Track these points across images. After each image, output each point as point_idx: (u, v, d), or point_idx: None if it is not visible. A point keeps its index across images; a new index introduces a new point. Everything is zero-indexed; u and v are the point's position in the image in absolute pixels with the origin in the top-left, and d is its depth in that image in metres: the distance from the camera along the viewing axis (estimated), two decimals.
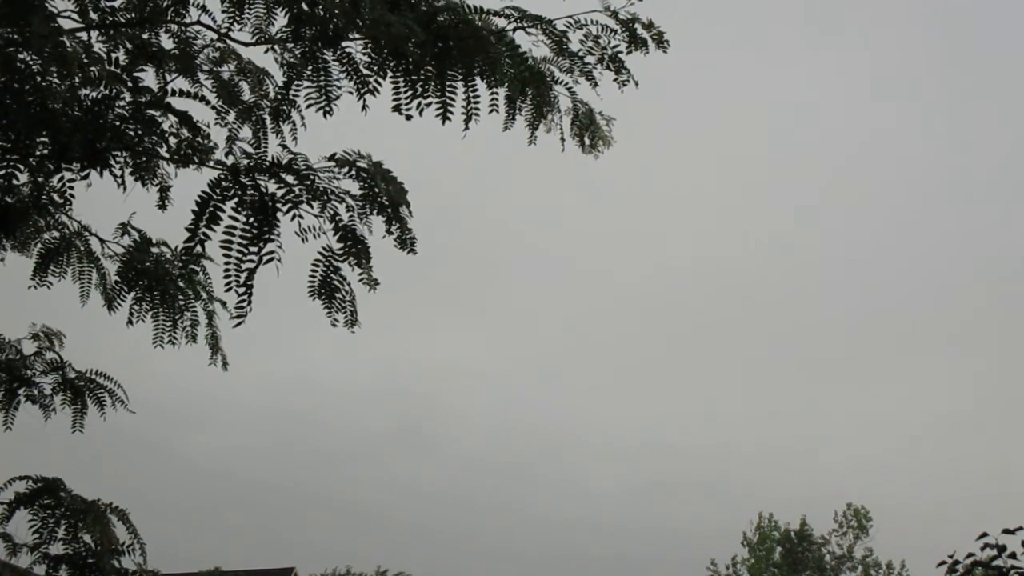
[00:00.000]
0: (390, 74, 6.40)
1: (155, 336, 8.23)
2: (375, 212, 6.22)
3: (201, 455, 68.27)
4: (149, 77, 6.93)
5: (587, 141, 7.85)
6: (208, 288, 8.50)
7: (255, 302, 5.77)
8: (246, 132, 7.54)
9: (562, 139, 7.67)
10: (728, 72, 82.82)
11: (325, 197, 6.01)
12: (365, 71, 6.39)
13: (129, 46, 6.92)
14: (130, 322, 8.15)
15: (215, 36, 7.23)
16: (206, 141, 6.76)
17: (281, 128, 7.62)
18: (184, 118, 6.56)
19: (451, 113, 6.47)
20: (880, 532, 46.89)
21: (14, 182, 6.49)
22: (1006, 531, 7.12)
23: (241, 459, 68.74)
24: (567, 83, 7.49)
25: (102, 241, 8.40)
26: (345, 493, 71.58)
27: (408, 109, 6.40)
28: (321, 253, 6.21)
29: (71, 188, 6.63)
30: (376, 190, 6.13)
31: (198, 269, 8.12)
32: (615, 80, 7.37)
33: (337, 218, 6.07)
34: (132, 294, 8.08)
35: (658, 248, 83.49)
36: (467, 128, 6.59)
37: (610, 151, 7.90)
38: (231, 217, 5.78)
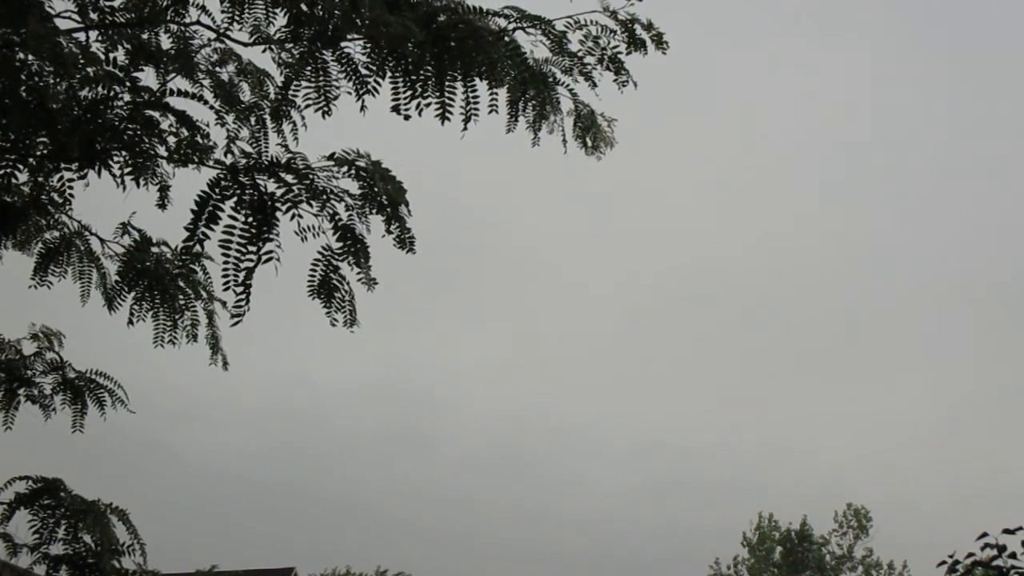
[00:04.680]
0: (389, 74, 6.40)
1: (155, 336, 8.25)
2: (374, 211, 6.22)
3: (201, 455, 68.26)
4: (149, 77, 6.94)
5: (589, 142, 7.87)
6: (208, 288, 8.51)
7: (254, 301, 5.78)
8: (246, 132, 7.55)
9: (564, 141, 7.68)
10: (727, 71, 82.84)
11: (324, 196, 6.01)
12: (364, 71, 6.39)
13: (128, 46, 6.92)
14: (131, 322, 8.16)
15: (214, 36, 7.24)
16: (205, 141, 6.76)
17: (281, 128, 7.63)
18: (183, 118, 6.56)
19: (450, 113, 6.47)
20: (880, 532, 46.99)
21: (14, 182, 6.49)
22: (1006, 531, 7.11)
23: (241, 459, 68.71)
24: (568, 84, 7.50)
25: (102, 241, 8.42)
26: (345, 493, 71.63)
27: (407, 109, 6.40)
28: (320, 252, 6.22)
29: (70, 188, 6.64)
30: (375, 189, 6.13)
31: (197, 269, 8.13)
32: (615, 81, 7.38)
33: (336, 217, 6.08)
34: (132, 294, 8.08)
35: (658, 248, 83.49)
36: (466, 129, 6.59)
37: (610, 152, 7.92)
38: (230, 216, 5.79)
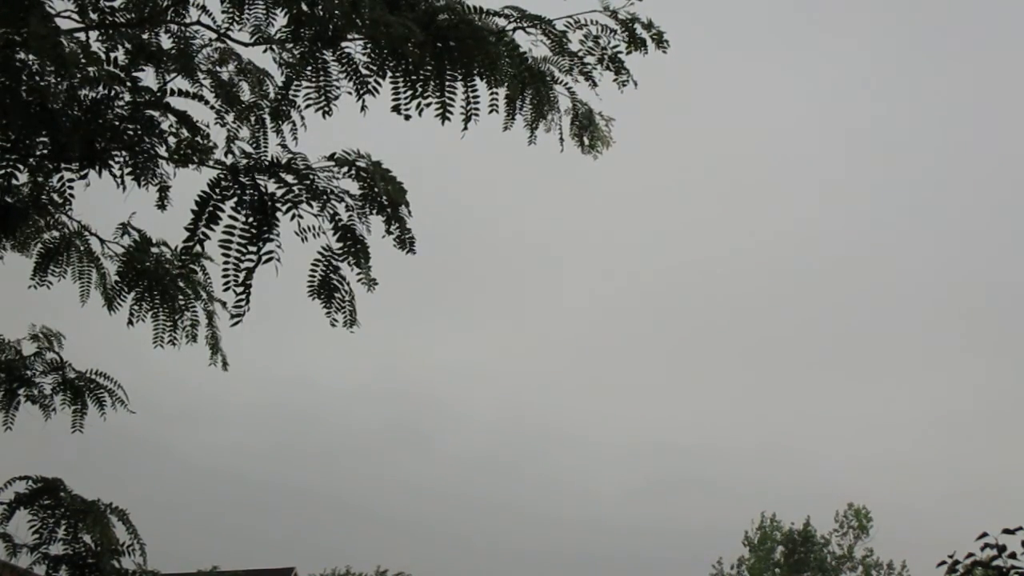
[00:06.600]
0: (389, 74, 6.40)
1: (155, 336, 8.24)
2: (374, 212, 6.22)
3: (201, 454, 68.41)
4: (149, 77, 6.94)
5: (586, 141, 7.88)
6: (208, 288, 8.50)
7: (254, 301, 5.78)
8: (246, 132, 7.55)
9: (561, 139, 7.70)
10: (726, 71, 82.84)
11: (325, 197, 6.01)
12: (364, 71, 6.39)
13: (128, 46, 6.92)
14: (130, 322, 8.15)
15: (214, 36, 7.23)
16: (205, 141, 6.76)
17: (281, 128, 7.63)
18: (183, 118, 6.56)
19: (450, 113, 6.48)
20: (880, 532, 47.05)
21: (14, 182, 6.49)
22: (1006, 531, 7.11)
23: (241, 458, 68.85)
24: (567, 83, 7.50)
25: (102, 241, 8.41)
26: (345, 492, 71.73)
27: (407, 109, 6.40)
28: (321, 253, 6.22)
29: (71, 188, 6.63)
30: (375, 190, 6.13)
31: (197, 269, 8.12)
32: (615, 80, 7.38)
33: (337, 218, 6.08)
34: (132, 294, 8.08)
35: (658, 248, 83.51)
36: (466, 128, 6.60)
37: (609, 151, 7.93)
38: (230, 217, 5.79)
